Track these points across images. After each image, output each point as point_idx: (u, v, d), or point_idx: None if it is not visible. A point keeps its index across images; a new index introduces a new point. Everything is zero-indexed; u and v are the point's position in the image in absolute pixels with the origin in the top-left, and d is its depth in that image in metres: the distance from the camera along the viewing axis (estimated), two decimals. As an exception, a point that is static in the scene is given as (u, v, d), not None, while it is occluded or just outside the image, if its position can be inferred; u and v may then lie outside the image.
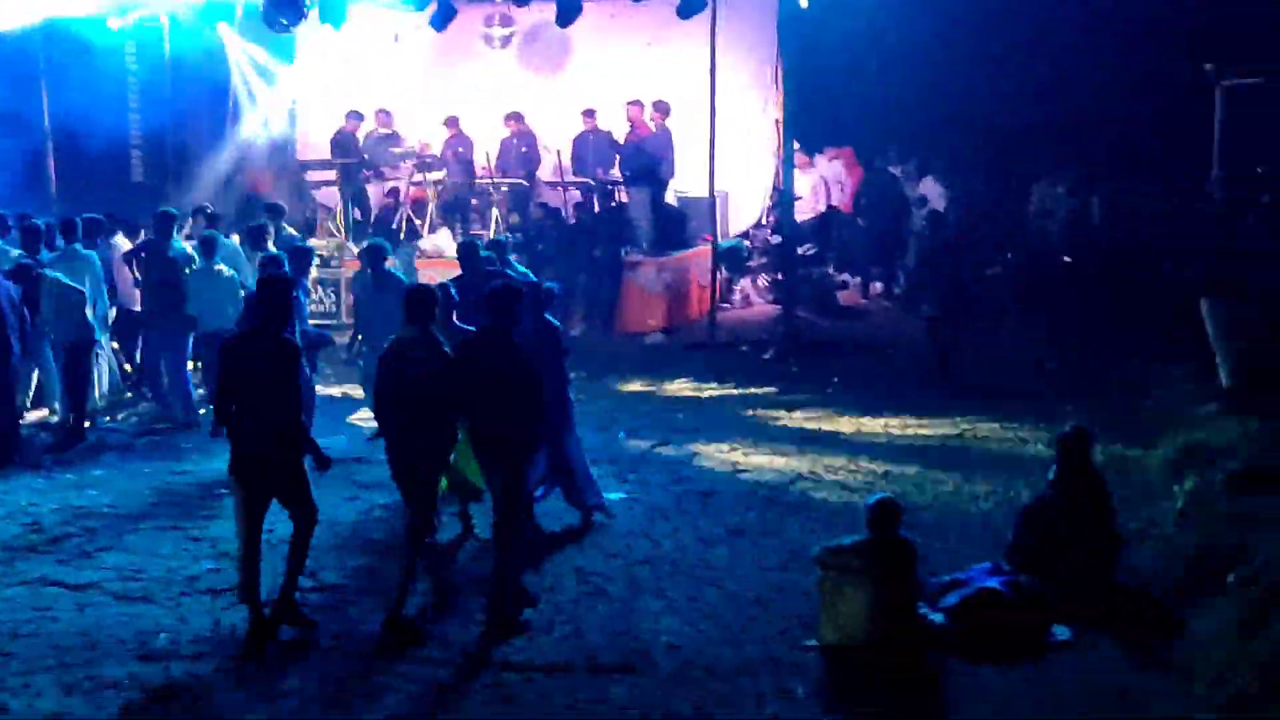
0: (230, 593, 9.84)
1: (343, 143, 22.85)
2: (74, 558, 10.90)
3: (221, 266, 15.19)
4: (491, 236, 18.83)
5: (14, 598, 10.03)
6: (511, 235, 19.32)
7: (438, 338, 9.58)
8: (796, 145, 21.01)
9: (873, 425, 15.04)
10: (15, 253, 15.31)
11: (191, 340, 15.44)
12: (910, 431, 14.77)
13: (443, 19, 21.63)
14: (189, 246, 15.85)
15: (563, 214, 21.42)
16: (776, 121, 21.16)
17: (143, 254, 16.01)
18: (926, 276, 17.93)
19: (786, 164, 20.48)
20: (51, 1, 21.76)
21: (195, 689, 8.52)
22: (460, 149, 22.27)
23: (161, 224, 15.77)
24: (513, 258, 14.84)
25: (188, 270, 15.33)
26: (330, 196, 23.21)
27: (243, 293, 14.30)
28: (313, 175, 23.37)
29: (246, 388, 9.20)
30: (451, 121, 22.41)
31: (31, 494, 12.75)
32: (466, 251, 13.31)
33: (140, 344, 16.42)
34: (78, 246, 15.60)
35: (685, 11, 20.42)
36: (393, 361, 9.48)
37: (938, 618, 9.03)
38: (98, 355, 15.57)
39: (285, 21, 16.92)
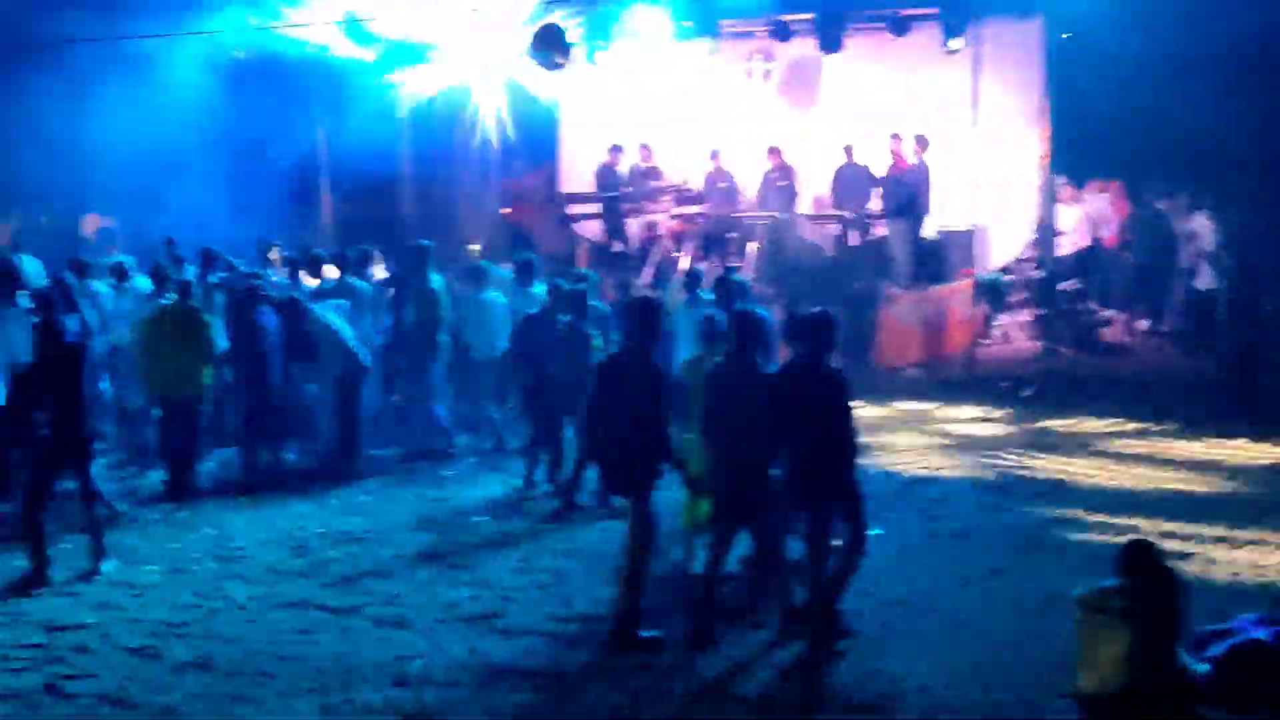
0: (485, 620, 10.05)
1: (605, 176, 23.22)
2: (336, 582, 11.22)
3: (492, 294, 15.55)
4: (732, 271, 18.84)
5: (277, 621, 10.36)
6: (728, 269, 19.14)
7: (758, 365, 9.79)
8: (1062, 179, 20.61)
9: (1125, 471, 14.61)
10: (279, 281, 15.91)
11: (465, 367, 15.87)
12: (1173, 482, 14.30)
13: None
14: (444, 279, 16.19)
15: (820, 248, 21.36)
16: (1041, 155, 20.78)
17: (397, 286, 16.43)
18: (1218, 311, 17.29)
19: (1049, 197, 20.11)
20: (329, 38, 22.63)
21: (447, 716, 8.67)
22: (721, 182, 22.40)
23: (417, 257, 16.08)
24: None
25: (443, 301, 15.71)
26: (591, 228, 23.59)
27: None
28: (574, 208, 23.77)
29: (613, 407, 9.66)
30: (714, 154, 22.56)
31: (298, 519, 13.18)
32: (721, 285, 13.41)
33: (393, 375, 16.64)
34: (348, 278, 16.12)
35: (949, 34, 20.20)
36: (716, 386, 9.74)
37: (1202, 668, 8.69)
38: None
39: (555, 60, 17.20)
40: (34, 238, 24.17)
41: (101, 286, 16.64)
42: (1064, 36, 19.60)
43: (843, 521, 9.65)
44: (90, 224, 24.93)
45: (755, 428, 9.59)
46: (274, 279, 16.56)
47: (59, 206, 25.88)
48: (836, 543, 9.69)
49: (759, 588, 10.23)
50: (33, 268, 17.98)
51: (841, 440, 9.50)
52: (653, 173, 23.15)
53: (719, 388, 9.84)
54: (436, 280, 15.94)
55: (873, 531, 11.78)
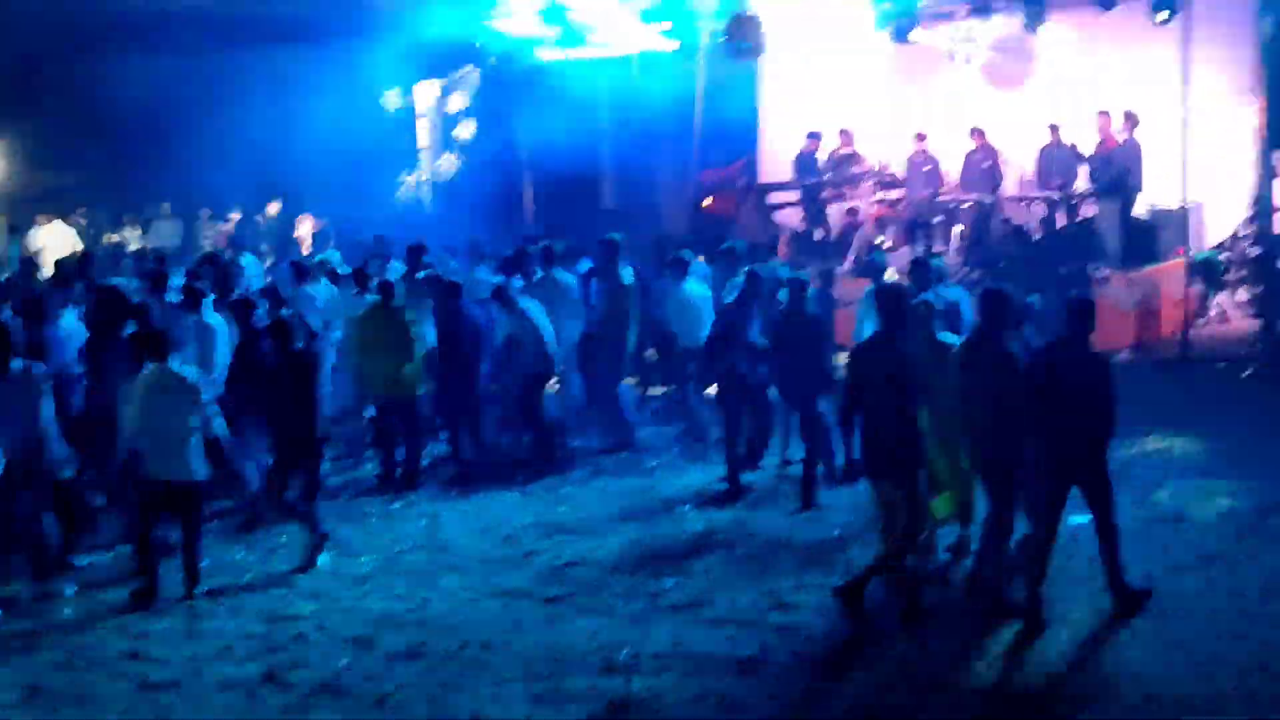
0: (690, 609, 10.12)
1: (804, 163, 23.11)
2: (544, 572, 11.38)
3: (691, 285, 15.63)
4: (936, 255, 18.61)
5: (488, 609, 10.56)
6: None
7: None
8: (1277, 153, 19.93)
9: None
10: (493, 279, 16.13)
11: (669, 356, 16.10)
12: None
13: (901, 31, 21.65)
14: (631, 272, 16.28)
15: (1027, 229, 20.97)
16: (1256, 129, 20.09)
17: (592, 280, 16.54)
18: None
19: (1266, 172, 19.45)
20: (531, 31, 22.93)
21: (653, 704, 8.73)
22: (925, 166, 22.13)
23: (607, 251, 16.16)
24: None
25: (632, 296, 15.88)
26: (791, 217, 23.51)
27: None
28: (774, 197, 23.69)
29: (870, 390, 9.89)
30: (919, 136, 22.28)
31: (507, 508, 13.41)
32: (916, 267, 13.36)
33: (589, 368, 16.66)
34: (556, 272, 16.30)
35: (1158, 6, 19.69)
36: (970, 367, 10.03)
37: None
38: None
39: (747, 48, 17.16)
40: (252, 239, 25.02)
41: (319, 289, 17.05)
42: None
43: (1091, 503, 9.80)
44: (305, 225, 25.61)
45: (1012, 408, 9.67)
46: (482, 275, 16.82)
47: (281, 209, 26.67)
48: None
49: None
50: (253, 268, 18.57)
51: (1107, 422, 9.66)
52: (853, 158, 22.95)
53: (973, 369, 9.92)
54: (627, 274, 16.03)
55: (1078, 520, 11.62)
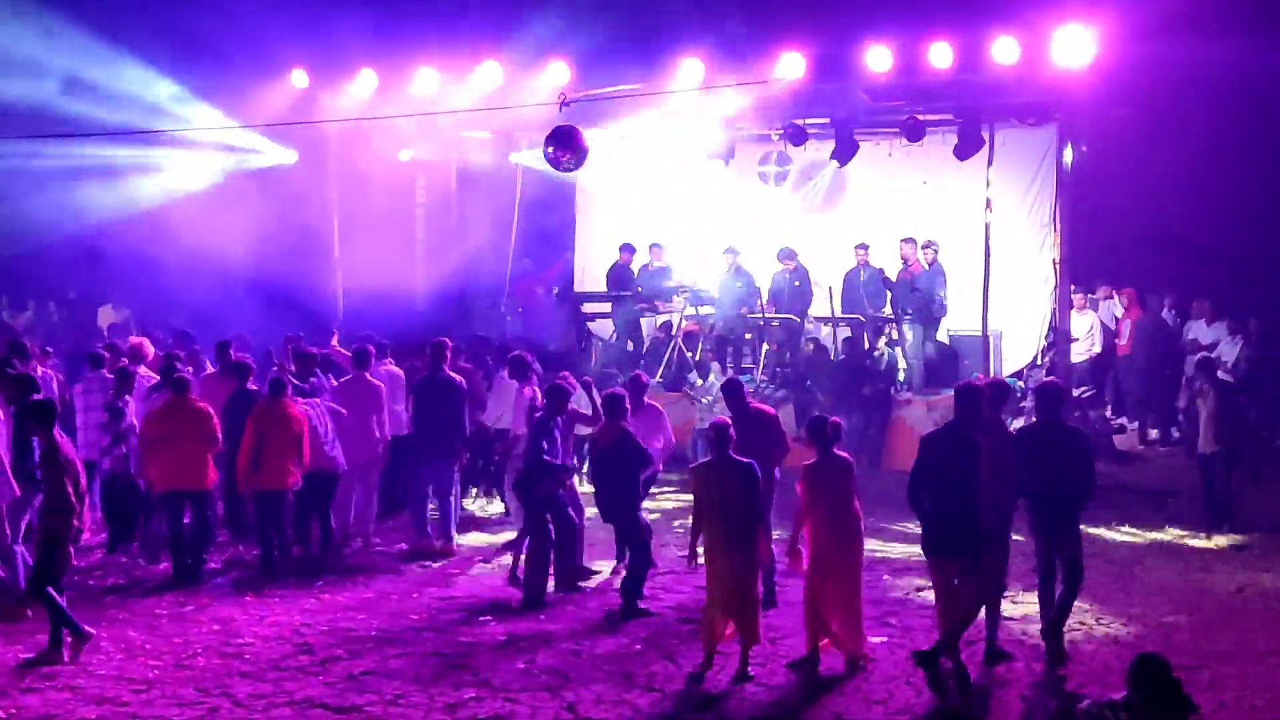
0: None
1: (617, 275, 23.30)
2: (339, 680, 11.14)
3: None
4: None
5: (279, 718, 10.28)
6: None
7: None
8: (1075, 286, 20.67)
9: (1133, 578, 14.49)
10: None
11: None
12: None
13: (723, 153, 22.03)
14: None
15: (832, 350, 21.37)
16: (1054, 261, 20.81)
17: (416, 382, 16.45)
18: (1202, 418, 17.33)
19: (1064, 303, 20.14)
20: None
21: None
22: (737, 283, 22.44)
23: (435, 353, 16.07)
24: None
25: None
26: (604, 328, 23.66)
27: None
28: (588, 307, 23.83)
29: (942, 476, 10.99)
30: (731, 251, 22.59)
31: (303, 614, 13.12)
32: (731, 388, 13.51)
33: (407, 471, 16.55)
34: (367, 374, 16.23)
35: (963, 152, 20.37)
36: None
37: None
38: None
39: (567, 163, 17.27)
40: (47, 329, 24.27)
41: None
42: (1081, 150, 19.73)
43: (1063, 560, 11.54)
44: (105, 315, 25.00)
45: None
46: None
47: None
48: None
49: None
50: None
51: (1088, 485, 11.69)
52: (664, 272, 23.19)
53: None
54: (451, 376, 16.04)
55: (877, 639, 11.80)
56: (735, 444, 11.50)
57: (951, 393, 20.23)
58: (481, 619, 12.93)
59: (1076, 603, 11.85)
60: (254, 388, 15.46)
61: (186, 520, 14.53)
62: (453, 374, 16.03)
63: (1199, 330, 21.84)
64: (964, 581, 11.06)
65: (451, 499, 15.96)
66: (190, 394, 14.62)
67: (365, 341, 16.97)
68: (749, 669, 11.16)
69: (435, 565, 15.17)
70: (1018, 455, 11.47)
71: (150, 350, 17.66)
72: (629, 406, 13.72)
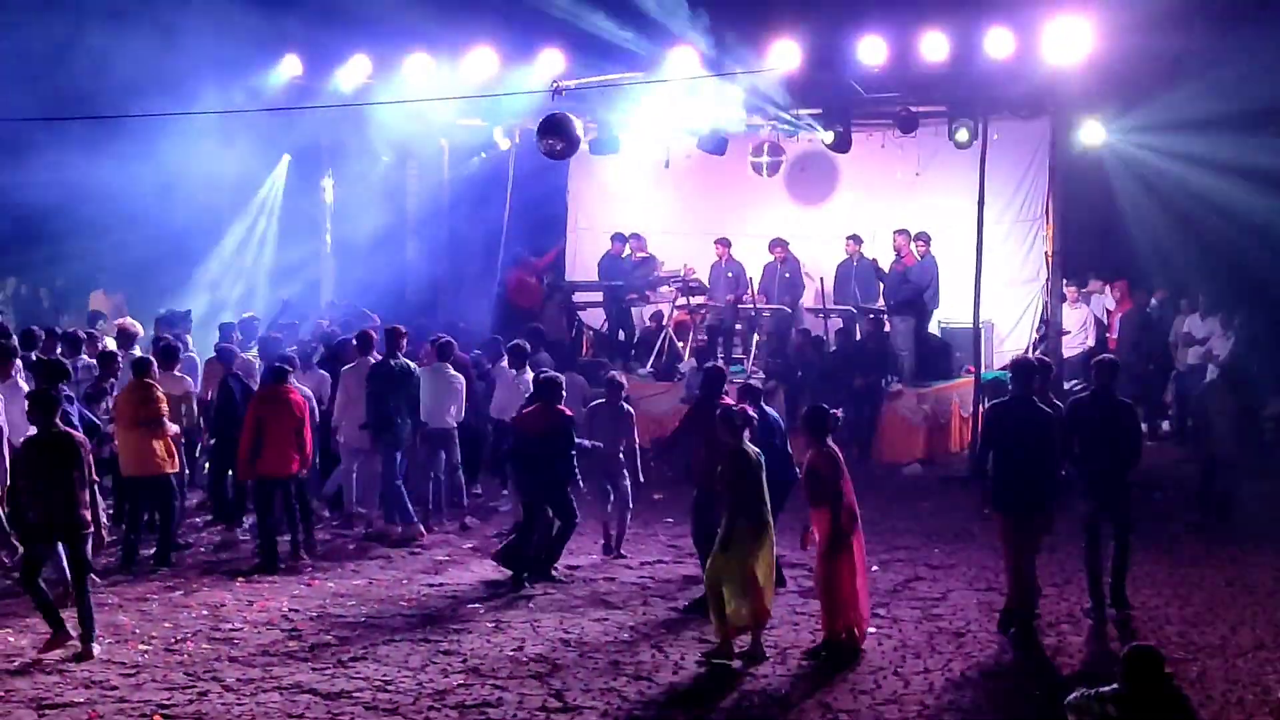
0: (476, 709, 9.99)
1: (608, 265, 23.30)
2: (328, 666, 11.13)
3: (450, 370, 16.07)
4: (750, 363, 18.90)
5: (267, 703, 10.27)
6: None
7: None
8: (1067, 278, 20.68)
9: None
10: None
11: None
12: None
13: (715, 144, 21.96)
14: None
15: (824, 341, 21.37)
16: (1046, 254, 20.81)
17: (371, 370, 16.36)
18: (1199, 415, 17.40)
19: (1056, 295, 20.16)
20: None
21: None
22: (729, 273, 22.44)
23: (391, 340, 16.02)
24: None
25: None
26: (595, 317, 23.66)
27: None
28: (579, 296, 23.81)
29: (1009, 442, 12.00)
30: (723, 242, 22.59)
31: (292, 600, 13.11)
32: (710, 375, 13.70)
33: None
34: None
35: (959, 143, 20.37)
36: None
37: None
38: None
39: (558, 150, 17.26)
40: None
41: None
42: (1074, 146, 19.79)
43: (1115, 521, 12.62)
44: (98, 300, 24.92)
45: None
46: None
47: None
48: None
49: None
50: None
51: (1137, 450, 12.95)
52: (649, 262, 23.18)
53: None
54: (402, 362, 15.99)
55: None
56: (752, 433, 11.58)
57: (942, 384, 20.81)
58: (470, 606, 12.92)
59: (1059, 598, 11.90)
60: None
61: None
62: (409, 361, 16.04)
63: (1193, 324, 21.88)
64: (1026, 537, 11.99)
65: (400, 484, 15.87)
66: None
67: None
68: (763, 648, 11.27)
69: (424, 552, 15.17)
70: (1073, 424, 12.64)
71: (139, 331, 17.64)
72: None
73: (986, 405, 15.16)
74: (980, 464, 12.94)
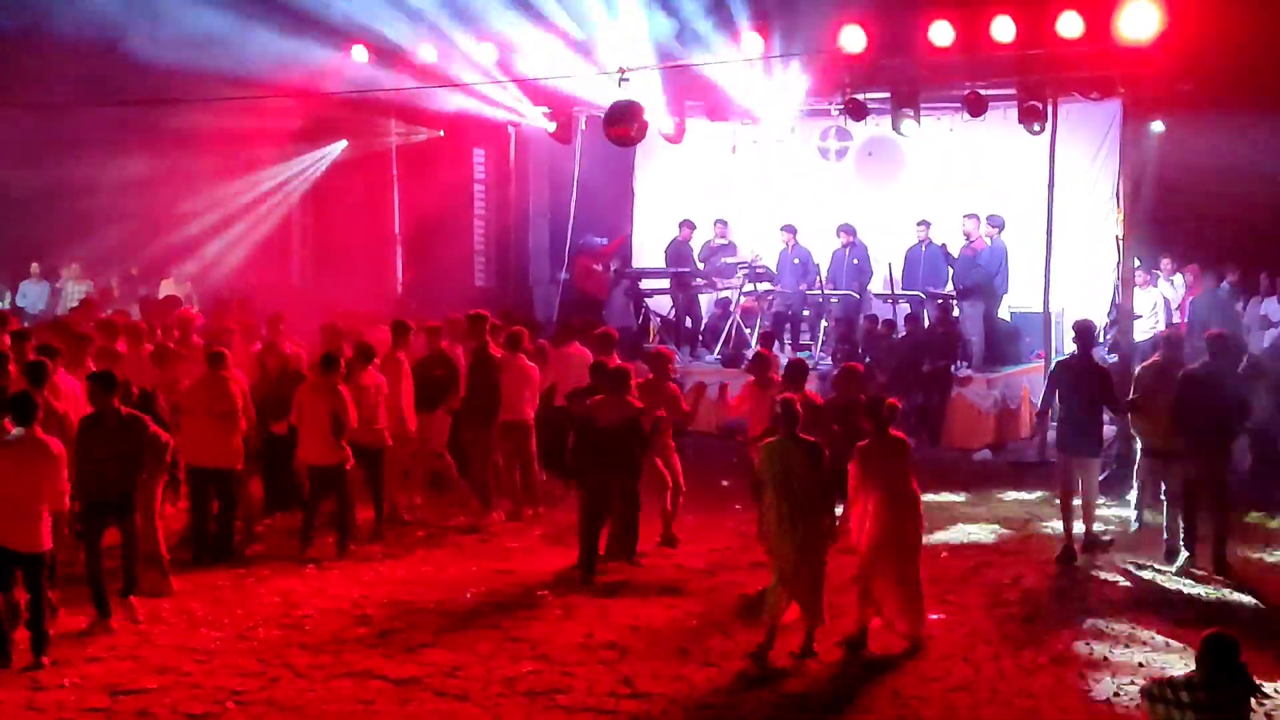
0: (546, 694, 10.01)
1: (677, 251, 23.23)
2: (398, 652, 11.19)
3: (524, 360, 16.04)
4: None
5: (339, 689, 10.33)
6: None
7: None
8: (1137, 262, 20.42)
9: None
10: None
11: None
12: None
13: (787, 128, 21.93)
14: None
15: (894, 326, 21.24)
16: (1116, 237, 20.56)
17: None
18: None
19: (1125, 280, 19.92)
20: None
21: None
22: (795, 260, 22.36)
23: (475, 326, 16.22)
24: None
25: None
26: (662, 304, 23.61)
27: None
28: (646, 283, 23.77)
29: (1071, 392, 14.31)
30: (789, 229, 22.51)
31: (362, 587, 13.17)
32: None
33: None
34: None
35: (1026, 124, 20.16)
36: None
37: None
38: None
39: (626, 135, 17.23)
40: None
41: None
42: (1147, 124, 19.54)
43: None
44: (168, 287, 25.14)
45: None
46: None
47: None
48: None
49: None
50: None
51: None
52: (728, 249, 23.15)
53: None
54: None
55: (933, 616, 11.70)
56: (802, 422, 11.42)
57: (1012, 369, 20.65)
58: (539, 593, 12.94)
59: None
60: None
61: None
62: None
63: (1269, 307, 21.57)
64: (1084, 477, 14.11)
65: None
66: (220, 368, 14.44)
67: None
68: (813, 646, 11.13)
69: (493, 539, 15.19)
70: (1183, 394, 13.66)
71: (199, 321, 17.75)
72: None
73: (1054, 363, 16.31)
74: (1045, 408, 15.57)
